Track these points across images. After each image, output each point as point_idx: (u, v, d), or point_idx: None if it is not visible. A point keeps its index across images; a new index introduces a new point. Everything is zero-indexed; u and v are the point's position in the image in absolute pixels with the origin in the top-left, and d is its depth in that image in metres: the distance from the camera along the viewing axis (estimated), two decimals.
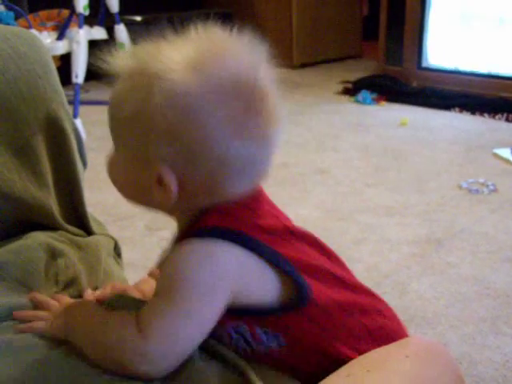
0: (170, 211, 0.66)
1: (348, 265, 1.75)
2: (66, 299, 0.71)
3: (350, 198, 2.18)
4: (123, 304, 0.67)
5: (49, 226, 0.84)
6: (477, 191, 2.19)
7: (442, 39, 3.73)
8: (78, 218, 0.90)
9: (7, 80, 0.79)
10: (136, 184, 0.64)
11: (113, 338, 0.59)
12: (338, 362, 0.63)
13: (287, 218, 0.71)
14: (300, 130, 3.11)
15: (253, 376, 0.60)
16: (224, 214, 0.62)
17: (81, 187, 0.91)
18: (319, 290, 0.64)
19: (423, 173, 2.43)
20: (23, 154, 0.81)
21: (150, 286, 0.76)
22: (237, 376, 0.61)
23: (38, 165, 0.83)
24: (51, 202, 0.84)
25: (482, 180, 2.28)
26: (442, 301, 1.50)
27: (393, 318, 0.74)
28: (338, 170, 2.49)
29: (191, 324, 0.59)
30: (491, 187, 2.21)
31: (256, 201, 0.66)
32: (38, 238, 0.80)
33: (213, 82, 0.59)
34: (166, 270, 0.61)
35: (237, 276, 0.60)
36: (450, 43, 3.69)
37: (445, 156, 2.64)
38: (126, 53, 0.64)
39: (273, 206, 0.70)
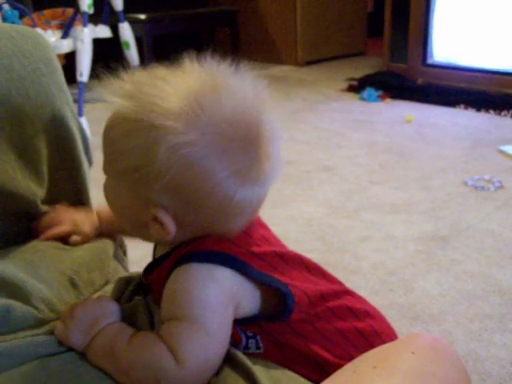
0: (161, 243, 0.68)
1: (353, 262, 1.77)
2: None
3: (356, 196, 2.18)
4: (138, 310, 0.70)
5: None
6: (482, 188, 2.18)
7: (446, 36, 3.72)
8: None
9: (12, 79, 0.79)
10: (132, 216, 0.65)
11: (148, 365, 0.61)
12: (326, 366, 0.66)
13: (277, 240, 0.72)
14: (305, 127, 3.11)
15: (257, 376, 0.62)
16: (220, 239, 0.64)
17: (86, 186, 0.91)
18: (302, 302, 0.66)
19: (428, 170, 2.42)
20: (26, 152, 0.81)
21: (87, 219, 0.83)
22: (242, 375, 0.63)
23: (41, 164, 0.83)
24: (53, 201, 0.84)
25: (487, 177, 2.28)
26: (448, 298, 1.50)
27: (380, 318, 0.74)
28: (343, 168, 2.48)
29: (216, 341, 0.62)
30: (497, 184, 2.20)
31: (251, 225, 0.67)
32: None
33: (216, 130, 0.59)
34: (177, 295, 0.62)
35: (235, 294, 0.63)
36: (454, 40, 3.68)
37: (450, 153, 2.63)
38: (123, 90, 0.62)
39: (264, 228, 0.72)
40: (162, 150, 0.57)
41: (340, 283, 0.74)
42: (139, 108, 0.59)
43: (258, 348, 0.67)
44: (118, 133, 0.61)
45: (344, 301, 0.71)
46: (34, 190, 0.81)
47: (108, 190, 0.67)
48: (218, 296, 0.62)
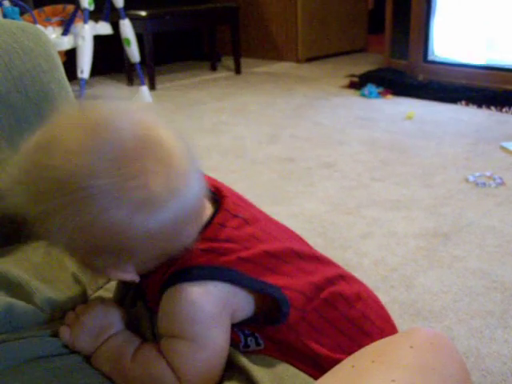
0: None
1: (355, 259, 1.77)
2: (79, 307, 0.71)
3: (357, 192, 2.18)
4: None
5: None
6: (484, 184, 2.18)
7: (447, 32, 3.71)
8: None
9: (13, 77, 0.79)
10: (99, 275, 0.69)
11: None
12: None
13: (266, 232, 0.70)
14: (306, 124, 3.10)
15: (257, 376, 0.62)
16: (204, 252, 0.63)
17: None
18: (297, 304, 0.66)
19: (430, 166, 2.42)
20: None
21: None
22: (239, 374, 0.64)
23: None
24: None
25: (488, 173, 2.28)
26: (450, 294, 1.50)
27: (372, 298, 0.76)
28: (345, 164, 2.48)
29: (216, 355, 0.63)
30: (498, 180, 2.20)
31: (237, 226, 0.66)
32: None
33: (100, 174, 0.55)
34: (173, 317, 0.63)
35: (229, 303, 0.64)
36: (455, 36, 3.67)
37: (451, 149, 2.63)
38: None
39: (251, 223, 0.69)
40: (54, 228, 0.56)
41: (334, 265, 0.75)
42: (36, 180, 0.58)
43: (258, 345, 0.67)
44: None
45: (337, 287, 0.70)
46: None
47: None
48: (213, 309, 0.62)
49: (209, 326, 0.62)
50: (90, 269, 0.65)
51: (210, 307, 0.62)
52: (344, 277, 0.73)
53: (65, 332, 0.66)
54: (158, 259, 0.63)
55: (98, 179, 0.54)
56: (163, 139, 0.59)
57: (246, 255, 0.64)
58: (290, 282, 0.66)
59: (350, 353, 0.63)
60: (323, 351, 0.66)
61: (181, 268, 0.63)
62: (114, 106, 0.60)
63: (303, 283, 0.67)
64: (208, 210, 0.67)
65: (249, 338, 0.67)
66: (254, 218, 0.70)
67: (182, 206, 0.59)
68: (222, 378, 0.64)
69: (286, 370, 0.65)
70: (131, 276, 0.63)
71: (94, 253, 0.59)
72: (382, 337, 0.66)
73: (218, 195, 0.69)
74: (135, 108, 0.61)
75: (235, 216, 0.67)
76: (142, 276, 0.68)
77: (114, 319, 0.68)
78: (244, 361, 0.64)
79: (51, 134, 0.58)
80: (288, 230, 0.77)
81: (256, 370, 0.63)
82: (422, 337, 0.63)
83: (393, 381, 0.55)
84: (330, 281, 0.70)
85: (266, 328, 0.66)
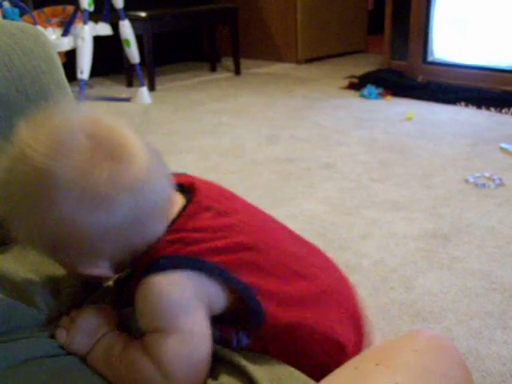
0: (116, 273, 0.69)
1: (354, 260, 1.77)
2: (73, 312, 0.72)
3: (356, 193, 2.18)
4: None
5: None
6: (483, 185, 2.18)
7: (447, 33, 3.71)
8: None
9: (13, 77, 0.79)
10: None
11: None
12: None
13: (248, 223, 0.70)
14: (305, 125, 3.10)
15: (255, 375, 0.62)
16: (172, 243, 0.64)
17: None
18: (272, 310, 0.65)
19: (429, 167, 2.42)
20: None
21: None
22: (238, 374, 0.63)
23: None
24: None
25: (488, 174, 2.28)
26: (449, 295, 1.50)
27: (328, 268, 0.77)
28: (344, 165, 2.48)
29: (197, 343, 0.62)
30: (497, 181, 2.20)
31: (208, 219, 0.66)
32: None
33: (55, 174, 0.56)
34: (146, 310, 0.63)
35: (200, 291, 0.63)
36: (455, 37, 3.67)
37: (451, 150, 2.63)
38: None
39: (230, 215, 0.69)
40: (16, 227, 0.59)
41: (309, 250, 0.76)
42: None
43: (250, 339, 0.67)
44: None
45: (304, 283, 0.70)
46: None
47: None
48: (181, 298, 0.62)
49: (178, 314, 0.62)
50: (64, 266, 0.67)
51: (176, 296, 0.62)
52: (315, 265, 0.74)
53: (61, 334, 0.67)
54: (129, 254, 0.64)
55: (49, 173, 0.56)
56: (118, 138, 0.60)
57: (217, 245, 0.64)
58: (262, 284, 0.65)
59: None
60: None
61: (149, 261, 0.63)
62: (70, 109, 0.63)
63: (277, 285, 0.66)
64: (178, 204, 0.67)
65: (240, 334, 0.67)
66: (232, 210, 0.70)
67: (136, 203, 0.59)
68: (219, 374, 0.64)
69: (285, 371, 0.65)
70: (104, 271, 0.64)
71: (60, 249, 0.61)
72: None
73: (190, 190, 0.69)
74: (93, 111, 0.62)
75: (207, 208, 0.67)
76: (128, 277, 0.69)
77: (105, 320, 0.69)
78: (242, 360, 0.64)
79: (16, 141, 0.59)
80: (276, 222, 0.76)
81: (255, 370, 0.63)
82: (424, 339, 0.64)
83: (396, 383, 0.55)
84: (301, 275, 0.70)
85: (250, 327, 0.66)
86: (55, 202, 0.57)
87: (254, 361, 0.65)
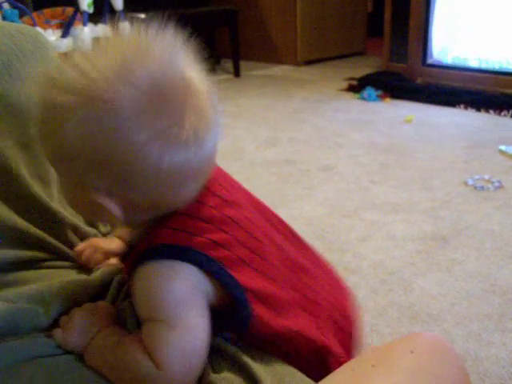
0: (119, 226, 0.67)
1: (353, 262, 1.77)
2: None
3: (355, 195, 2.18)
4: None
5: (48, 224, 0.83)
6: (482, 188, 2.18)
7: (446, 36, 3.72)
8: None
9: (12, 78, 0.79)
10: (83, 207, 0.64)
11: (133, 375, 0.61)
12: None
13: (249, 218, 0.69)
14: (305, 127, 3.11)
15: (257, 373, 0.62)
16: (176, 231, 0.62)
17: None
18: (262, 315, 0.64)
19: (428, 170, 2.42)
20: (30, 149, 0.80)
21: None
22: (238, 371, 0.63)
23: (46, 161, 0.82)
24: (55, 197, 0.83)
25: (487, 177, 2.28)
26: (448, 298, 1.50)
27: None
28: (343, 167, 2.48)
29: (194, 335, 0.60)
30: (497, 184, 2.20)
31: (214, 208, 0.65)
32: None
33: (130, 97, 0.55)
34: (145, 297, 0.62)
35: (199, 284, 0.62)
36: (454, 40, 3.68)
37: (450, 153, 2.63)
38: (42, 78, 0.59)
39: (232, 205, 0.68)
40: (67, 129, 0.55)
41: (302, 250, 0.76)
42: (44, 93, 0.57)
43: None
44: (38, 125, 0.60)
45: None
46: (37, 188, 0.81)
47: (59, 185, 0.67)
48: (184, 289, 0.60)
49: (177, 305, 0.60)
50: (77, 190, 0.61)
51: (178, 286, 0.60)
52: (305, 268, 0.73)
53: (57, 333, 0.66)
54: (147, 211, 0.62)
55: (132, 97, 0.54)
56: (200, 90, 0.59)
57: (219, 238, 0.63)
58: (259, 286, 0.64)
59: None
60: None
61: (151, 246, 0.61)
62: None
63: (268, 285, 0.65)
64: None
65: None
66: (236, 201, 0.69)
67: (197, 157, 0.59)
68: (221, 369, 0.63)
69: (285, 369, 0.64)
70: (115, 209, 0.59)
71: (96, 166, 0.57)
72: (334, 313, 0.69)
73: None
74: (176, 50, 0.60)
75: (214, 194, 0.66)
76: (125, 258, 0.68)
77: (101, 316, 0.68)
78: (245, 357, 0.64)
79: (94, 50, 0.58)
80: (276, 223, 0.76)
81: (257, 368, 0.63)
82: (422, 341, 0.63)
83: None
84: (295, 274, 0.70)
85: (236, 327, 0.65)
86: (128, 126, 0.54)
87: (254, 358, 0.64)
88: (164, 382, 0.60)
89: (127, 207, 0.60)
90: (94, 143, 0.55)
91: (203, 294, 0.62)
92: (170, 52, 0.59)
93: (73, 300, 0.71)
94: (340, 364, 0.65)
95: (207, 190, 0.65)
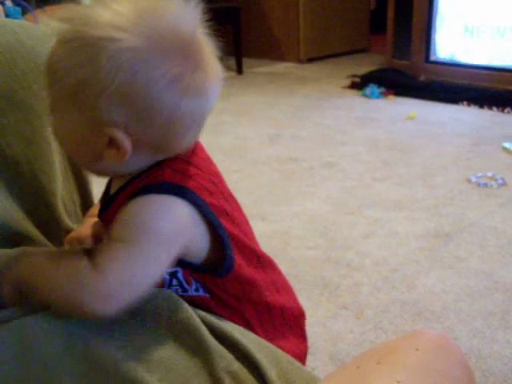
0: (118, 172, 0.67)
1: (356, 259, 1.77)
2: None
3: (358, 192, 2.18)
4: None
5: (48, 220, 0.83)
6: (485, 185, 2.18)
7: (449, 32, 3.71)
8: (86, 210, 0.90)
9: (16, 74, 0.79)
10: (86, 148, 0.64)
11: (66, 273, 0.60)
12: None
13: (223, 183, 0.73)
14: (307, 124, 3.10)
15: (262, 365, 0.62)
16: (176, 172, 0.64)
17: (88, 180, 0.91)
18: (241, 266, 0.69)
19: (431, 167, 2.42)
20: (34, 144, 0.81)
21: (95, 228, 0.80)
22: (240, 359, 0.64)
23: (51, 156, 0.83)
24: (58, 193, 0.84)
25: (490, 174, 2.27)
26: (451, 295, 1.49)
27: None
28: (346, 164, 2.48)
29: (148, 268, 0.61)
30: (500, 181, 2.20)
31: (199, 158, 0.69)
32: None
33: (156, 37, 0.60)
34: (126, 219, 0.62)
35: (189, 230, 0.64)
36: (457, 36, 3.67)
37: (453, 150, 2.63)
38: (62, 14, 0.62)
39: (208, 159, 0.73)
40: (103, 60, 0.58)
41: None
42: (78, 26, 0.60)
43: (207, 292, 0.69)
44: (61, 55, 0.61)
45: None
46: (44, 182, 0.81)
47: (57, 127, 0.66)
48: (170, 231, 0.62)
49: (158, 242, 0.61)
50: (88, 126, 0.62)
51: (168, 226, 0.62)
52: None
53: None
54: (152, 154, 0.64)
55: (161, 42, 0.60)
56: (208, 47, 0.67)
57: (211, 187, 0.66)
58: (238, 235, 0.68)
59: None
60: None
61: (152, 182, 0.63)
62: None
63: (249, 244, 0.71)
64: None
65: (198, 284, 0.68)
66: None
67: (204, 106, 0.64)
68: (229, 361, 0.63)
69: (284, 356, 0.66)
70: (128, 144, 0.61)
71: (121, 99, 0.59)
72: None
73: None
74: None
75: (199, 156, 0.70)
76: (102, 210, 0.69)
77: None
78: (244, 342, 0.64)
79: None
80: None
81: (256, 352, 0.64)
82: (427, 339, 0.64)
83: (398, 382, 0.55)
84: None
85: (212, 278, 0.67)
86: (153, 67, 0.59)
87: (252, 344, 0.65)
88: (94, 281, 0.58)
89: (137, 146, 0.62)
90: (123, 77, 0.58)
91: (185, 238, 0.64)
92: (184, 9, 0.64)
93: None
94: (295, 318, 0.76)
95: (192, 151, 0.69)
